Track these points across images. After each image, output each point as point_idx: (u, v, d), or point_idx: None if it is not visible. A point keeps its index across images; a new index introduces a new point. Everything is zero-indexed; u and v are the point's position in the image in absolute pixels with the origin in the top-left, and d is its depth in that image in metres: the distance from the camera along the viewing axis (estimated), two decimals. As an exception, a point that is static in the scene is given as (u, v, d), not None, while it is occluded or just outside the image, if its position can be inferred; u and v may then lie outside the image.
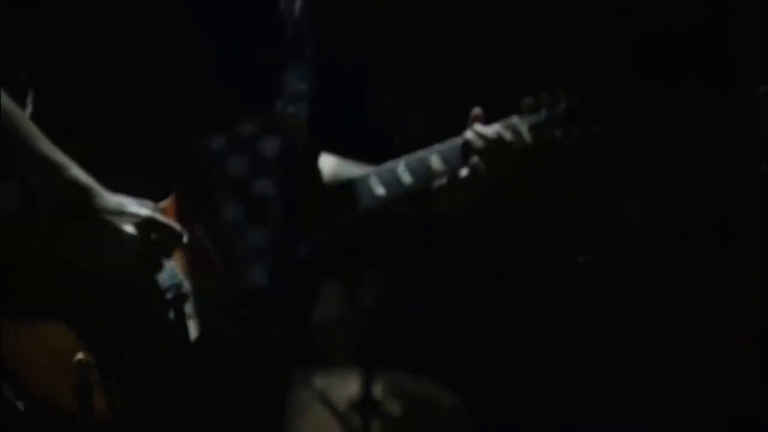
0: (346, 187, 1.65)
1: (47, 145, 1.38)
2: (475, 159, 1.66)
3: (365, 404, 2.61)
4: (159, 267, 1.42)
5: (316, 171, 1.73)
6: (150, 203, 1.44)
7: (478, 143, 1.67)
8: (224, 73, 1.53)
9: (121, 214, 1.40)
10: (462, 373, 2.87)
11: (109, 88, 1.47)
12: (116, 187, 1.42)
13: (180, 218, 1.46)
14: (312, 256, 1.60)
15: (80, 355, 1.37)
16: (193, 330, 1.46)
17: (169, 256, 1.44)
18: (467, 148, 1.68)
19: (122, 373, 1.41)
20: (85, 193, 1.39)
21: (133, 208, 1.42)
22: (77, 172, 1.39)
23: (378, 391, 2.63)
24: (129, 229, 1.40)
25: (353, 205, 1.64)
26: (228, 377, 1.49)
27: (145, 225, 1.41)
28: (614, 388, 2.81)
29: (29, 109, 1.48)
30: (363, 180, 1.65)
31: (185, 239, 1.43)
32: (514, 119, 1.73)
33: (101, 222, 1.39)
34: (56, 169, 1.38)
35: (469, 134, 1.69)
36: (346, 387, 2.68)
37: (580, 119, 1.74)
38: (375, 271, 2.80)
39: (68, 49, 1.47)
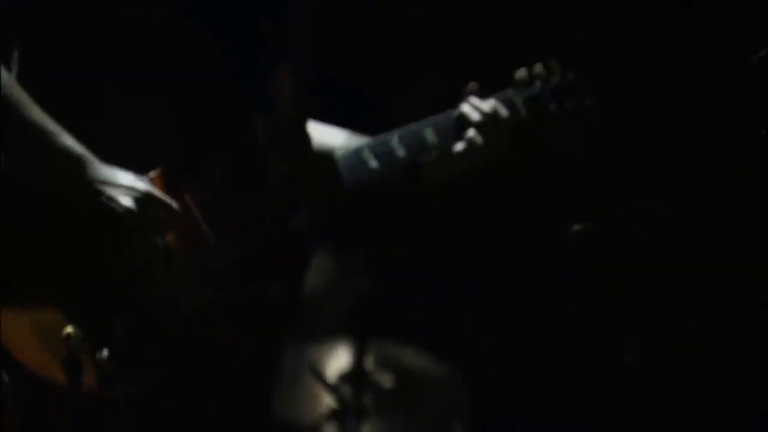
0: (339, 159, 1.62)
1: (38, 112, 1.36)
2: (470, 132, 1.65)
3: (356, 376, 2.60)
4: (156, 243, 1.41)
5: (305, 140, 1.71)
6: (143, 176, 1.43)
7: (474, 116, 1.65)
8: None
9: (117, 186, 1.39)
10: (456, 345, 2.87)
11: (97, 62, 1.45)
12: (106, 158, 1.41)
13: (168, 190, 1.45)
14: (303, 227, 1.59)
15: (69, 329, 1.37)
16: (183, 301, 1.45)
17: (166, 232, 1.42)
18: (462, 121, 1.66)
19: (113, 346, 1.40)
20: (77, 161, 1.37)
21: (129, 180, 1.40)
22: (69, 140, 1.37)
23: (369, 362, 2.63)
24: (126, 202, 1.38)
25: (345, 177, 1.62)
26: (218, 349, 1.48)
27: (143, 199, 1.39)
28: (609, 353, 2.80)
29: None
30: (356, 152, 1.63)
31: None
32: (509, 92, 1.71)
33: (95, 193, 1.38)
34: (47, 136, 1.36)
35: (464, 107, 1.67)
36: (337, 359, 2.68)
37: (575, 92, 1.72)
38: (366, 241, 2.78)
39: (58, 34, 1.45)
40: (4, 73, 1.36)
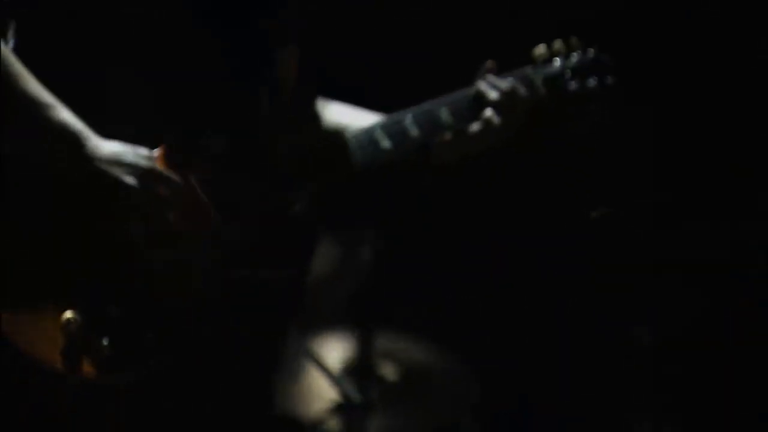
0: (350, 139, 1.56)
1: (35, 85, 1.31)
2: (487, 112, 1.58)
3: (361, 368, 2.53)
4: (159, 223, 1.35)
5: (312, 117, 1.64)
6: (146, 151, 1.37)
7: (491, 95, 1.58)
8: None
9: (119, 164, 1.33)
10: (465, 336, 2.81)
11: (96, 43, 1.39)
12: (108, 134, 1.35)
13: (172, 168, 1.39)
14: (307, 210, 1.53)
15: (68, 314, 1.33)
16: (186, 284, 1.39)
17: (169, 211, 1.37)
18: (479, 100, 1.59)
19: (112, 333, 1.36)
20: (77, 137, 1.32)
21: (132, 157, 1.35)
22: (66, 114, 1.32)
23: (374, 354, 2.55)
24: (129, 180, 1.32)
25: (357, 157, 1.56)
26: (219, 338, 1.43)
27: (147, 177, 1.34)
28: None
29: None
30: (368, 131, 1.57)
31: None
32: (528, 70, 1.64)
33: (96, 171, 1.32)
34: (44, 109, 1.31)
35: (482, 85, 1.60)
36: (341, 350, 2.61)
37: (596, 70, 1.65)
38: (372, 225, 2.70)
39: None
40: (1, 47, 1.31)
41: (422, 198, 2.69)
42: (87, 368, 1.33)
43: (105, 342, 1.35)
